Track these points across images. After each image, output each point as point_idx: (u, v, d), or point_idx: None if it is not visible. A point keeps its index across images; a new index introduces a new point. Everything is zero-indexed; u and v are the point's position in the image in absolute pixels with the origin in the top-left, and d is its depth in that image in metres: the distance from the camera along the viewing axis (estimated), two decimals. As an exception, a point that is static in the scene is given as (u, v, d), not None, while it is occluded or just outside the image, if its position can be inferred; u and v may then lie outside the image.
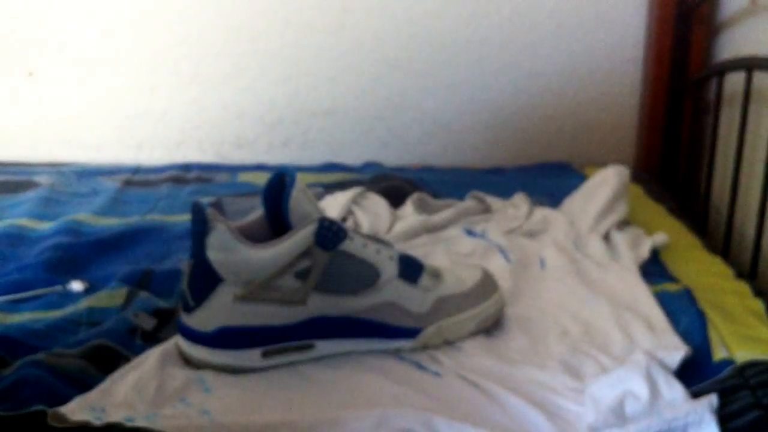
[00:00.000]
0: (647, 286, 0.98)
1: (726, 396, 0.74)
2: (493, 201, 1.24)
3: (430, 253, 1.07)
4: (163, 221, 1.21)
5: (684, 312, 0.91)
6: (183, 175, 1.48)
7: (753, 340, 0.84)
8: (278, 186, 0.82)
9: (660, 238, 1.12)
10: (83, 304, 0.92)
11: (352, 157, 1.64)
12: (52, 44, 1.56)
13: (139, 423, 0.69)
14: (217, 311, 0.78)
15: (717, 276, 1.03)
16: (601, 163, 1.53)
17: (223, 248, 0.77)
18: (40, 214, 1.22)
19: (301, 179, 0.81)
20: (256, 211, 0.85)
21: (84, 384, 0.74)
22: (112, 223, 1.20)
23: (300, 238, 0.78)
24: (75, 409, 0.69)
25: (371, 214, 1.19)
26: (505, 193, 1.28)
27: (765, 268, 1.25)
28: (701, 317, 0.89)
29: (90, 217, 1.21)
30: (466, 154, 1.65)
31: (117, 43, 1.57)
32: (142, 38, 1.57)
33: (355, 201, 1.23)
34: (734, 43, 1.43)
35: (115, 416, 0.70)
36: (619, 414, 0.70)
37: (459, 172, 1.52)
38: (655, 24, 1.52)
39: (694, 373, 0.79)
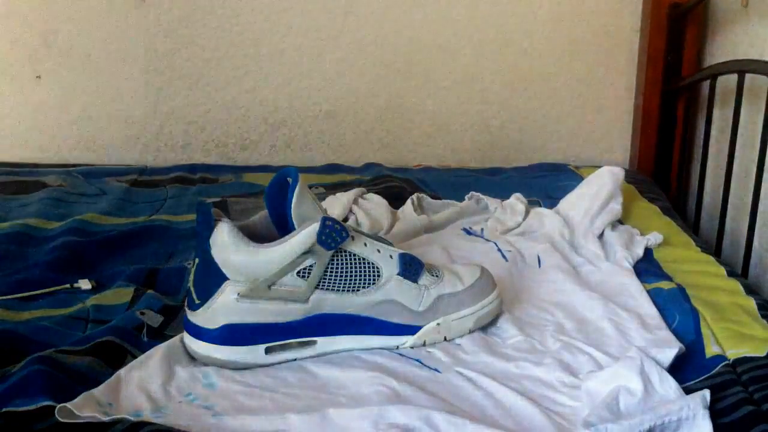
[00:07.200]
0: (641, 284, 0.99)
1: (718, 392, 0.74)
2: (491, 201, 1.24)
3: (430, 252, 1.07)
4: (169, 221, 1.20)
5: (677, 309, 0.92)
6: (188, 175, 1.47)
7: (745, 337, 0.85)
8: (281, 186, 0.83)
9: (654, 237, 1.12)
10: (91, 302, 0.93)
11: (353, 158, 1.64)
12: (59, 48, 1.56)
13: (146, 418, 0.70)
14: (222, 309, 0.79)
15: (710, 274, 1.04)
16: (597, 164, 1.55)
17: (228, 247, 0.77)
18: (49, 214, 1.21)
19: (304, 180, 0.81)
20: (259, 211, 0.86)
21: (91, 380, 0.75)
22: (119, 222, 1.19)
23: (303, 237, 0.78)
24: (82, 405, 0.69)
25: (372, 213, 1.19)
26: (502, 193, 1.28)
27: (756, 266, 1.26)
28: (694, 315, 0.90)
29: (97, 217, 1.20)
30: (465, 155, 1.65)
31: (123, 46, 1.56)
32: (147, 42, 1.56)
33: (356, 201, 1.23)
34: (727, 45, 1.42)
35: (122, 411, 0.71)
36: (613, 409, 0.71)
37: (458, 173, 1.51)
38: (649, 26, 1.51)
39: (687, 370, 0.80)
